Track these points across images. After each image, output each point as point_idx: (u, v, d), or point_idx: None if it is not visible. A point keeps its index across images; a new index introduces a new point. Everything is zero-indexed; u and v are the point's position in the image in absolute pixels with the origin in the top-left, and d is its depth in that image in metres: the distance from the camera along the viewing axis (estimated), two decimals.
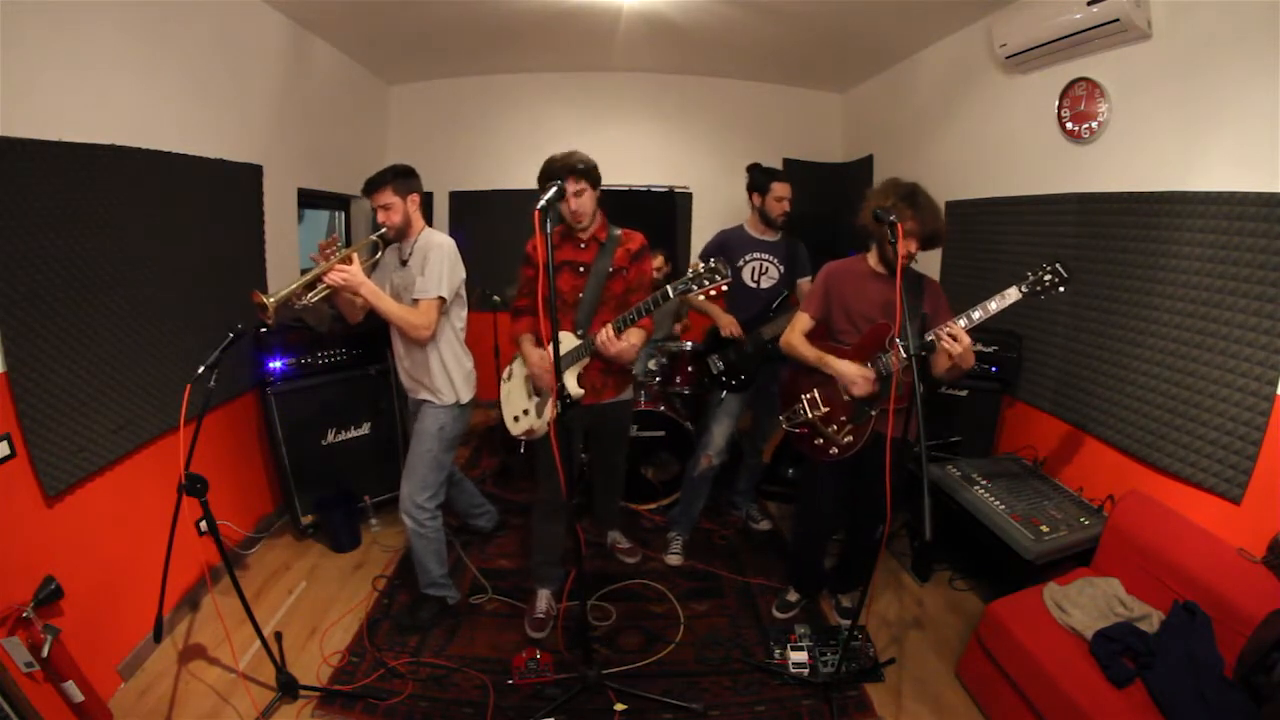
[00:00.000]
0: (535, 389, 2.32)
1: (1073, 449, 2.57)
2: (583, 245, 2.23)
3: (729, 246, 2.81)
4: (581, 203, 2.13)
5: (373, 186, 2.17)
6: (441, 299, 2.15)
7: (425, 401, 2.32)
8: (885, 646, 2.37)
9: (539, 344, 2.25)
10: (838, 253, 2.27)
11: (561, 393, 1.79)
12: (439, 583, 2.43)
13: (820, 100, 4.76)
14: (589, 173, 2.13)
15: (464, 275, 2.25)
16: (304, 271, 2.25)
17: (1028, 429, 2.83)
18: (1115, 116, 2.38)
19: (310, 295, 2.02)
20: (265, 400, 2.85)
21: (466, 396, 2.34)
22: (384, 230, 2.18)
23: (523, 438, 2.38)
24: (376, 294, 2.09)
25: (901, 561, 2.89)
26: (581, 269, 2.22)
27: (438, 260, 2.14)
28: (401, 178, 2.18)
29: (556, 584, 2.51)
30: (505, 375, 2.45)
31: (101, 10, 1.99)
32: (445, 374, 2.28)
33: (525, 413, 2.35)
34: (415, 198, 2.22)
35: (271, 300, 1.90)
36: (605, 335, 2.07)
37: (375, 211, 2.19)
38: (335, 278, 2.00)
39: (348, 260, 2.03)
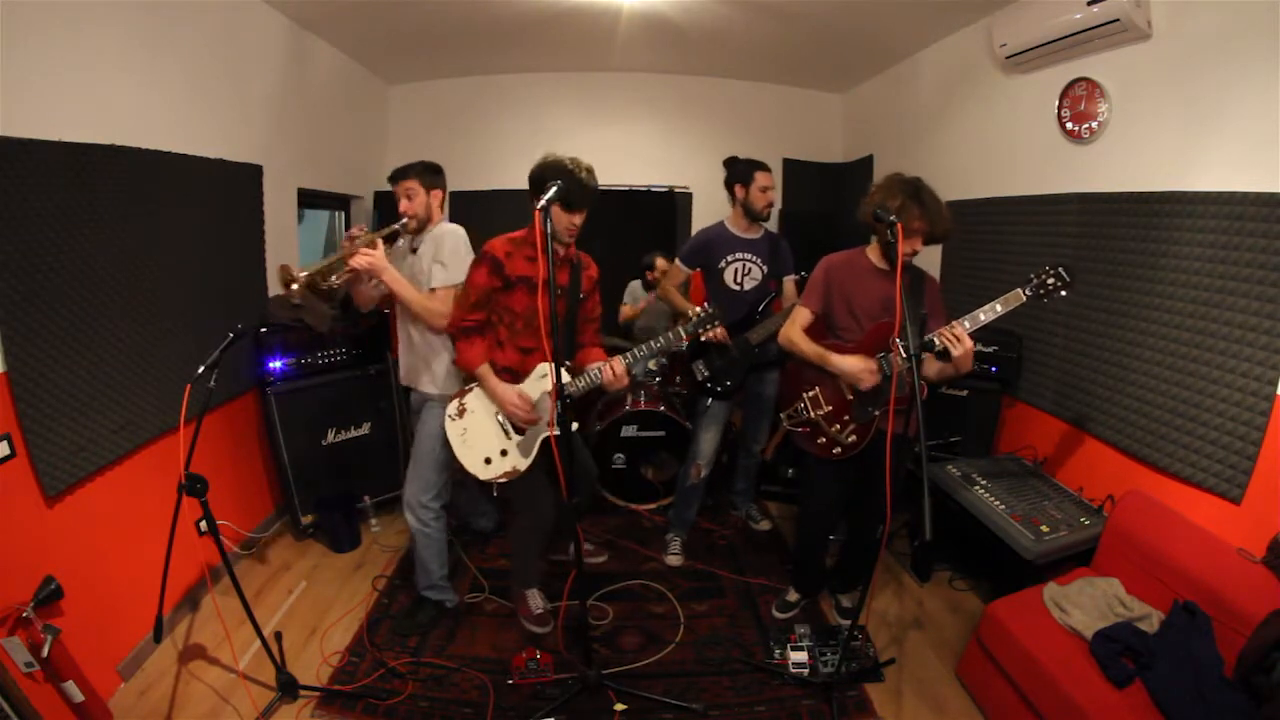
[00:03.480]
0: (515, 426, 2.15)
1: (1073, 449, 2.57)
2: (557, 265, 2.10)
3: (711, 247, 2.71)
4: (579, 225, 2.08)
5: (399, 175, 2.25)
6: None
7: (426, 399, 2.32)
8: (885, 646, 2.37)
9: (500, 374, 2.11)
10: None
11: (560, 410, 1.77)
12: (438, 585, 2.43)
13: (820, 100, 4.76)
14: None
15: None
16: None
17: (1028, 429, 2.83)
18: (1115, 116, 2.38)
19: (334, 278, 2.10)
20: (265, 400, 2.85)
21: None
22: (405, 220, 2.24)
23: (501, 480, 2.15)
24: (398, 280, 2.14)
25: (901, 561, 2.89)
26: (559, 291, 2.06)
27: (454, 247, 2.18)
28: (429, 172, 2.27)
29: (541, 580, 2.49)
30: (453, 412, 2.16)
31: (101, 10, 1.99)
32: (453, 362, 2.27)
33: (504, 453, 2.14)
34: (439, 194, 2.30)
35: (303, 275, 1.96)
36: (616, 370, 2.04)
37: (398, 200, 2.25)
38: (361, 261, 2.08)
39: (372, 245, 2.10)
